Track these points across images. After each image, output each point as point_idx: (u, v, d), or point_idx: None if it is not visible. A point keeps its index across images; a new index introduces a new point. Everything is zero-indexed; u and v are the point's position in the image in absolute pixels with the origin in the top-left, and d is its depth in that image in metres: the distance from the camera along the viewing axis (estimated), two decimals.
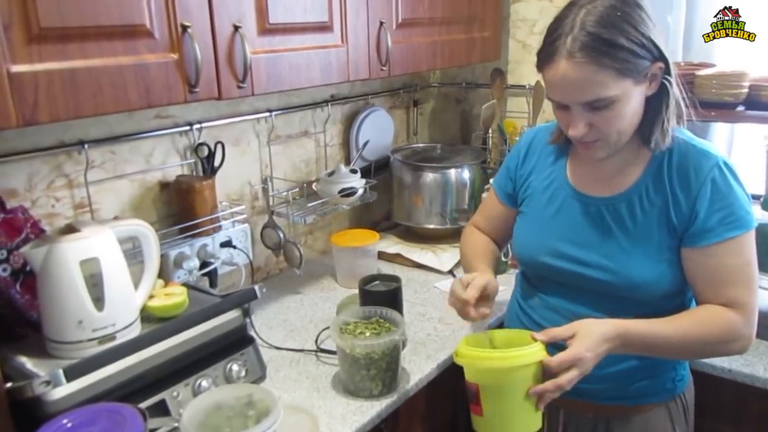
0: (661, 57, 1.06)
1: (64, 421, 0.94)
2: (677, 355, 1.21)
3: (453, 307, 1.23)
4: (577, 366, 1.04)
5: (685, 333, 1.10)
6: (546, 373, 1.06)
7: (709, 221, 1.09)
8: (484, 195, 1.97)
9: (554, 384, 1.04)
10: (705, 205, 1.09)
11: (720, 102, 1.61)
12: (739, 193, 1.10)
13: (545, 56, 1.07)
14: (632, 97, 1.06)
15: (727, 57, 1.85)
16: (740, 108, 1.64)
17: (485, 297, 1.21)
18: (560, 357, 1.05)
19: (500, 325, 1.48)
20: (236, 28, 1.22)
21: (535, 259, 1.25)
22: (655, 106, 1.11)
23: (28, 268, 1.18)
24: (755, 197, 1.31)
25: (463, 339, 1.15)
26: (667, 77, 1.09)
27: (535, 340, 1.09)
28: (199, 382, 1.22)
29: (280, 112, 1.78)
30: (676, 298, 1.18)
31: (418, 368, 1.39)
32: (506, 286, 1.53)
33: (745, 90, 1.63)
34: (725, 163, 1.11)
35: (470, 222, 1.52)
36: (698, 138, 1.17)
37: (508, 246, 1.91)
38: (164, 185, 1.56)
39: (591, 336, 1.06)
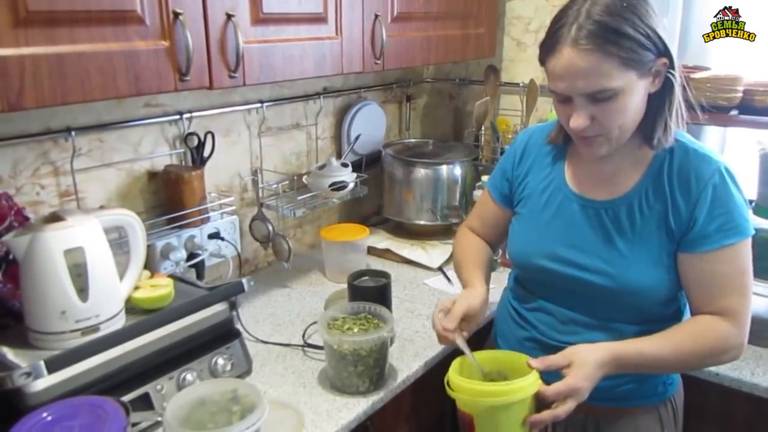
0: (666, 52, 1.05)
1: (44, 414, 0.91)
2: (673, 370, 1.22)
3: (435, 330, 1.19)
4: (573, 396, 1.04)
5: (679, 349, 1.10)
6: (540, 400, 1.05)
7: (707, 227, 1.08)
8: (476, 192, 1.96)
9: (551, 415, 1.04)
10: (704, 211, 1.08)
11: (714, 105, 1.61)
12: (738, 200, 1.09)
13: (549, 46, 1.05)
14: (635, 91, 1.05)
15: (722, 60, 1.85)
16: (734, 112, 1.64)
17: (466, 318, 1.17)
18: (557, 388, 1.04)
19: (490, 324, 1.47)
20: (229, 16, 1.19)
21: (532, 262, 1.23)
22: (658, 103, 1.10)
23: (11, 257, 1.16)
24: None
25: (454, 364, 1.12)
26: (672, 72, 1.07)
27: (530, 366, 1.07)
28: (183, 375, 1.20)
29: (271, 103, 1.76)
30: (672, 304, 1.18)
31: (405, 366, 1.38)
32: (496, 284, 1.52)
33: (740, 94, 1.63)
34: (726, 169, 1.10)
35: (464, 224, 1.48)
36: (699, 142, 1.15)
37: None
38: (152, 175, 1.54)
39: (587, 364, 1.05)
